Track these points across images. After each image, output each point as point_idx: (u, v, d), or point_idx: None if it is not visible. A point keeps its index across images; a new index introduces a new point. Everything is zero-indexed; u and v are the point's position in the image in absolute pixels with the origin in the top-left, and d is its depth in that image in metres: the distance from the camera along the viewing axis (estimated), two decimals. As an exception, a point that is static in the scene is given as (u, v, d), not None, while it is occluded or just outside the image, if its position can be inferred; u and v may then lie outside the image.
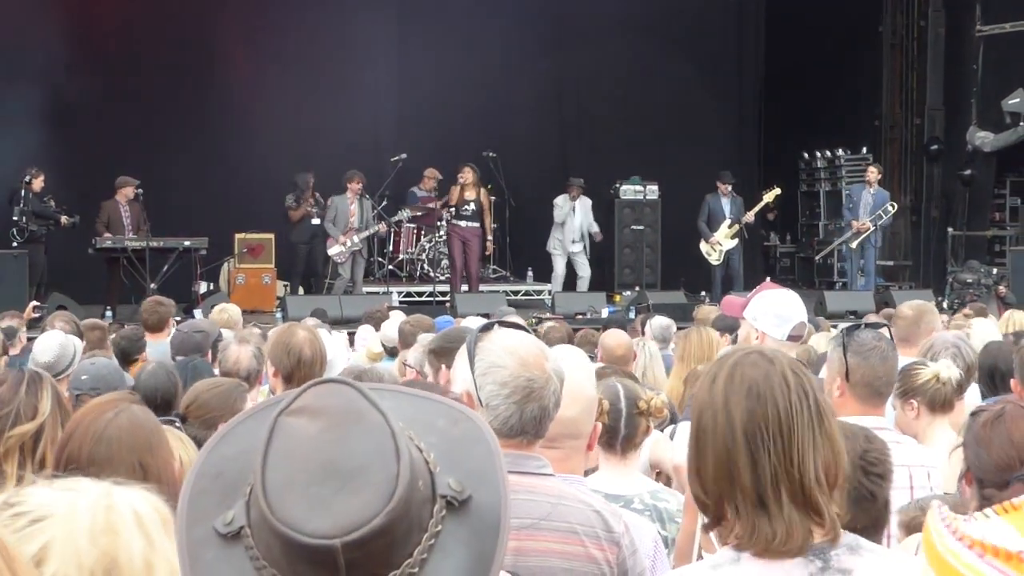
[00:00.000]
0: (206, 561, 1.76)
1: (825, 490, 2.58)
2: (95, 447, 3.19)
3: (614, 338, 8.34)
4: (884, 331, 4.99)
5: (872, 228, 20.69)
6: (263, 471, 1.72)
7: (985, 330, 9.58)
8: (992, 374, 6.61)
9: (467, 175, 19.98)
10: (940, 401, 5.27)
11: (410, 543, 1.73)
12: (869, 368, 4.71)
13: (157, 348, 9.06)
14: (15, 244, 17.87)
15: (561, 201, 21.22)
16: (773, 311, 5.56)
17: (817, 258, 22.93)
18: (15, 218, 17.92)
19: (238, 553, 1.76)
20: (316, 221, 19.92)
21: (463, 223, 20.03)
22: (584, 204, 21.28)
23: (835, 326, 8.52)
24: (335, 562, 1.67)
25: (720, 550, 2.68)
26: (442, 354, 5.46)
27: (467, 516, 1.80)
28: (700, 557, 3.98)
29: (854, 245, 20.87)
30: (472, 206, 20.03)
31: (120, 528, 1.94)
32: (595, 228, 21.41)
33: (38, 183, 18.25)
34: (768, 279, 6.20)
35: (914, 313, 7.58)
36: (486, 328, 3.25)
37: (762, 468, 2.56)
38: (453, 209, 20.09)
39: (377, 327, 11.18)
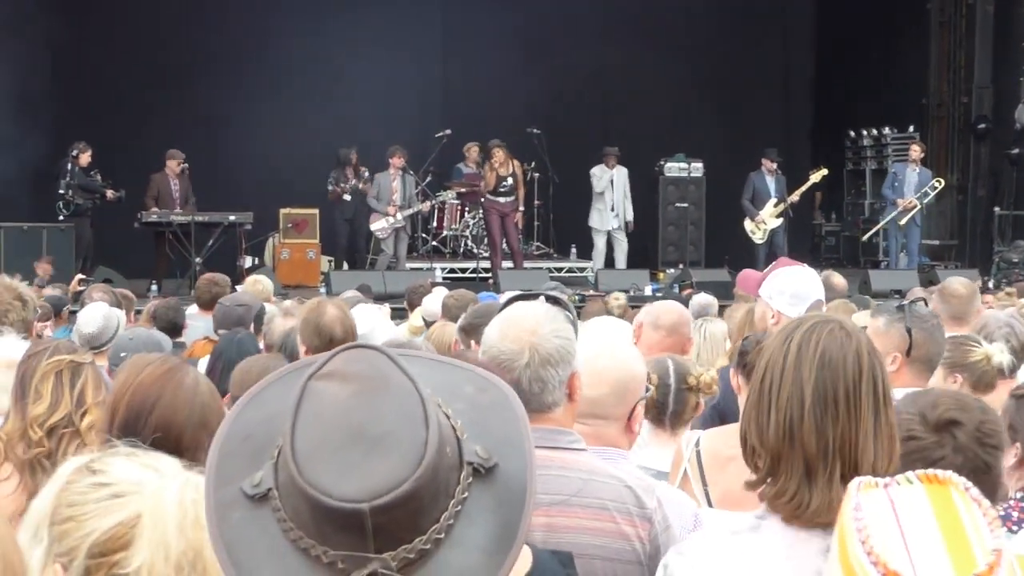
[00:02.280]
0: (233, 522, 1.78)
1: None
2: (190, 414, 3.21)
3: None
4: (932, 311, 4.99)
5: (918, 206, 20.60)
6: (292, 435, 1.73)
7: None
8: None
9: (498, 155, 19.85)
10: (985, 381, 5.25)
11: (437, 509, 1.74)
12: (934, 344, 4.71)
13: (208, 323, 9.11)
14: (61, 218, 18.00)
15: (599, 171, 21.12)
16: (789, 290, 5.49)
17: (864, 238, 22.76)
18: (61, 191, 18.04)
19: (265, 515, 1.77)
20: (347, 197, 19.94)
21: (501, 199, 19.98)
22: (621, 173, 21.18)
23: (879, 304, 8.44)
24: (363, 526, 1.68)
25: (741, 516, 2.67)
26: (471, 331, 5.44)
27: (493, 484, 1.81)
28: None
29: (903, 222, 20.76)
30: (509, 181, 19.99)
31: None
32: (631, 215, 21.35)
33: (85, 158, 18.38)
34: (782, 257, 6.10)
35: (967, 291, 7.47)
36: (510, 301, 3.26)
37: (824, 438, 2.54)
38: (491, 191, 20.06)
39: (419, 302, 11.20)
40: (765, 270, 5.76)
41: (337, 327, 5.67)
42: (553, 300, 3.29)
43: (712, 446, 4.23)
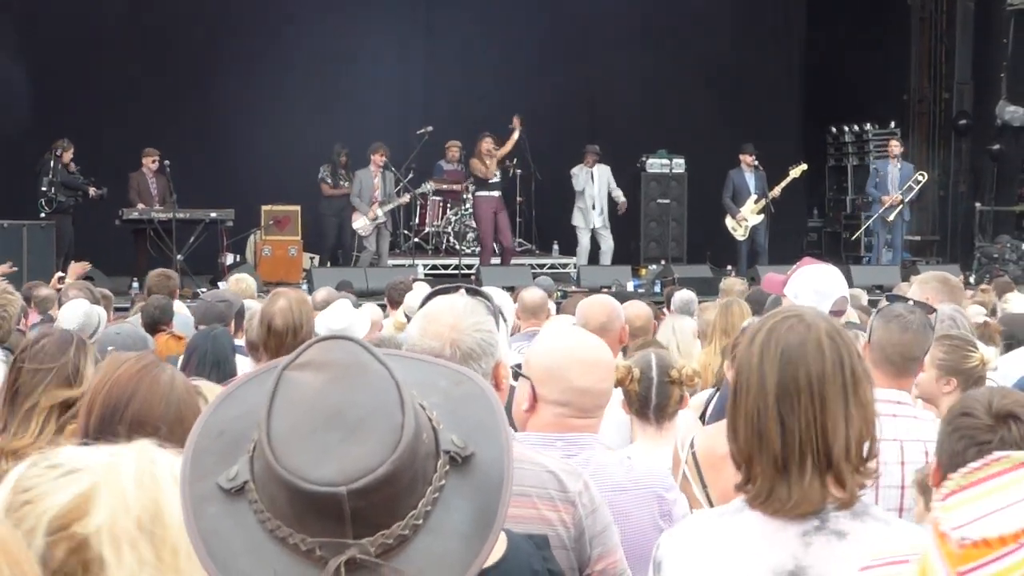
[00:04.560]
0: (209, 515, 1.77)
1: (852, 461, 2.59)
2: (166, 410, 3.20)
3: (634, 309, 8.31)
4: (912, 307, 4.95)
5: (903, 202, 20.64)
6: (268, 422, 1.73)
7: (1020, 304, 9.56)
8: (1010, 345, 6.60)
9: (488, 144, 19.95)
10: (976, 382, 5.28)
11: (415, 495, 1.75)
12: (886, 334, 4.67)
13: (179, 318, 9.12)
14: (43, 215, 17.94)
15: (577, 171, 21.17)
16: (812, 287, 5.56)
17: (853, 238, 22.75)
18: (43, 189, 17.98)
19: (242, 508, 1.77)
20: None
21: (496, 192, 20.11)
22: (602, 171, 21.19)
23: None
24: (340, 510, 1.69)
25: (733, 500, 2.71)
26: None
27: (470, 472, 1.83)
28: None
29: (891, 218, 20.80)
30: (498, 174, 20.14)
31: (162, 480, 1.95)
32: (621, 197, 21.33)
33: (67, 155, 18.33)
34: (806, 256, 6.18)
35: (957, 280, 7.49)
36: (430, 296, 3.26)
37: (790, 433, 2.57)
38: (496, 177, 20.12)
39: (400, 299, 11.19)
40: (790, 270, 5.80)
41: (278, 318, 5.68)
42: (473, 292, 3.29)
43: (707, 445, 4.23)
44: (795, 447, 2.57)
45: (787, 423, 2.58)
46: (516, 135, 20.43)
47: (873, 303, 8.13)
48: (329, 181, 20.37)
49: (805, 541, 2.58)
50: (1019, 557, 1.59)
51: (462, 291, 3.27)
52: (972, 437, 3.06)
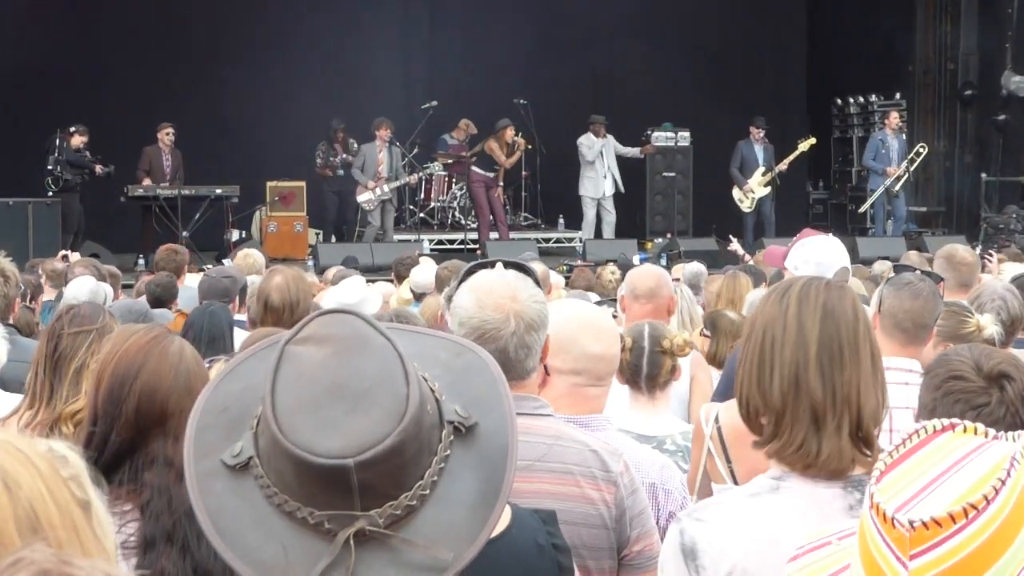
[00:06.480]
0: (215, 492, 1.78)
1: (879, 425, 2.59)
2: (175, 381, 3.22)
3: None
4: (921, 276, 4.97)
5: (907, 174, 20.62)
6: (272, 396, 1.74)
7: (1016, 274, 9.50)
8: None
9: (510, 133, 20.05)
10: None
11: (420, 465, 1.76)
12: (897, 301, 4.71)
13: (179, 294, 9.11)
14: (50, 193, 17.93)
15: (587, 140, 21.04)
16: (814, 258, 5.56)
17: (861, 210, 22.67)
18: (50, 167, 17.97)
19: (247, 484, 1.78)
20: (341, 173, 20.04)
21: (492, 173, 20.12)
22: (609, 142, 21.18)
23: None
24: (348, 482, 1.69)
25: (757, 478, 2.67)
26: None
27: (474, 442, 1.83)
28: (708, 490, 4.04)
29: (896, 189, 20.79)
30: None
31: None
32: (634, 152, 21.45)
33: (78, 140, 18.26)
34: (807, 228, 6.16)
35: (973, 259, 7.42)
36: (471, 270, 3.24)
37: (831, 387, 2.57)
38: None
39: (407, 274, 11.19)
40: (790, 242, 5.81)
41: (274, 294, 5.65)
42: (515, 266, 3.28)
43: (733, 420, 4.18)
44: (834, 401, 2.56)
45: (828, 376, 2.58)
46: (519, 154, 20.42)
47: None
48: (320, 160, 20.30)
49: (852, 514, 2.55)
50: (968, 533, 1.62)
51: (499, 265, 3.24)
52: (968, 401, 3.02)
